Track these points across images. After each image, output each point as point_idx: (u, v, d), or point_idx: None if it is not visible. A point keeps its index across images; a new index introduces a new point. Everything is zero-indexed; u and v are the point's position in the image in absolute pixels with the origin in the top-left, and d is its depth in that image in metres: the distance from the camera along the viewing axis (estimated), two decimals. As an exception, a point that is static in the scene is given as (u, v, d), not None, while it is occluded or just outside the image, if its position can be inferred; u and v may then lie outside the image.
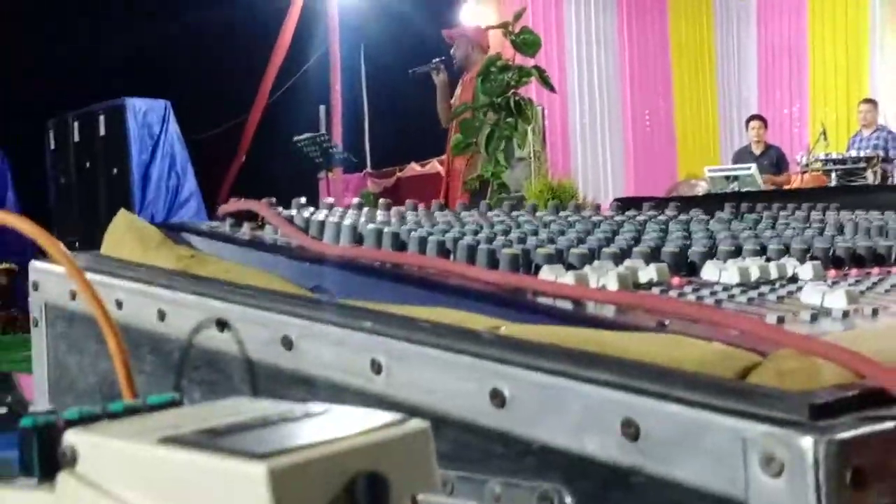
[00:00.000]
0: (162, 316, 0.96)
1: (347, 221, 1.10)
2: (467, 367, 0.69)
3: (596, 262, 0.94)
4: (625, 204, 2.96)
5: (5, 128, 6.46)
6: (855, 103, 10.05)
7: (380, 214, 1.23)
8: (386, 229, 1.04)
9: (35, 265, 1.14)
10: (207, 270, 1.02)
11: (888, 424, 0.54)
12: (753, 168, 8.69)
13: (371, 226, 1.06)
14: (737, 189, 8.40)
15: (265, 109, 9.33)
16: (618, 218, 1.37)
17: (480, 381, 0.68)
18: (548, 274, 0.87)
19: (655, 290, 0.88)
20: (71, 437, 0.47)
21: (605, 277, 0.86)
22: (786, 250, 1.11)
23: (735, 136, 11.63)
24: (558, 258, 0.95)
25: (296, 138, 8.50)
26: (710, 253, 1.05)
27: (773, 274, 0.98)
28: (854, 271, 1.09)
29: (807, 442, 0.51)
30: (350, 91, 10.58)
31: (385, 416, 0.49)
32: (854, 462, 0.52)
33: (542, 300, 0.82)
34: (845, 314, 0.80)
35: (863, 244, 1.18)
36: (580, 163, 10.69)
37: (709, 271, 0.97)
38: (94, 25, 7.55)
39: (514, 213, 1.34)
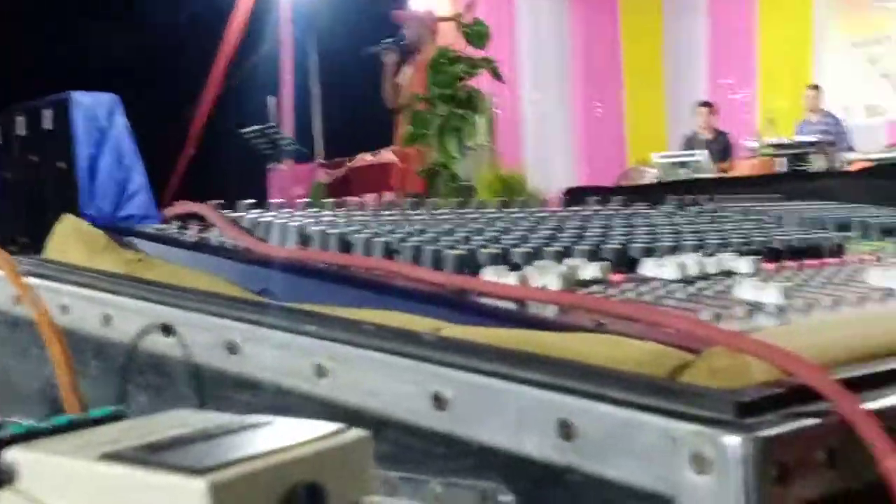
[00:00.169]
0: (107, 320, 0.96)
1: (294, 223, 1.11)
2: (409, 369, 0.70)
3: (539, 262, 0.96)
4: (574, 195, 2.99)
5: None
6: (801, 89, 10.20)
7: (327, 214, 1.24)
8: (332, 231, 1.04)
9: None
10: (153, 274, 1.03)
11: (812, 421, 0.57)
12: (701, 154, 8.78)
13: (317, 227, 1.07)
14: (687, 175, 8.49)
15: (215, 101, 9.25)
16: (563, 213, 1.39)
17: (422, 383, 0.69)
18: (491, 274, 0.88)
19: (596, 288, 0.89)
20: (10, 455, 0.47)
21: (547, 276, 0.88)
22: (724, 244, 1.14)
23: (684, 123, 11.73)
24: (502, 258, 0.96)
25: (244, 130, 8.45)
26: (651, 248, 1.07)
27: (711, 269, 1.00)
28: (790, 264, 1.12)
29: (733, 440, 0.53)
30: (301, 82, 10.52)
31: (326, 427, 0.50)
32: (779, 458, 0.54)
33: (485, 301, 0.83)
34: (779, 309, 0.82)
35: (799, 237, 1.21)
36: (531, 152, 10.72)
37: (649, 267, 0.99)
38: (40, 20, 7.44)
39: (462, 210, 1.36)
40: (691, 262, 0.99)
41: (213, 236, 1.15)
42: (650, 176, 9.64)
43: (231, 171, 8.43)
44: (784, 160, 8.45)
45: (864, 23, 10.87)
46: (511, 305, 0.82)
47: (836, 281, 0.99)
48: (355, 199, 1.38)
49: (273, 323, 0.82)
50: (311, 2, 9.90)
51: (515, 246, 1.01)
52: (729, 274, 1.01)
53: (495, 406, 0.65)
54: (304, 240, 1.07)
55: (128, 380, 0.92)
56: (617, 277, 0.95)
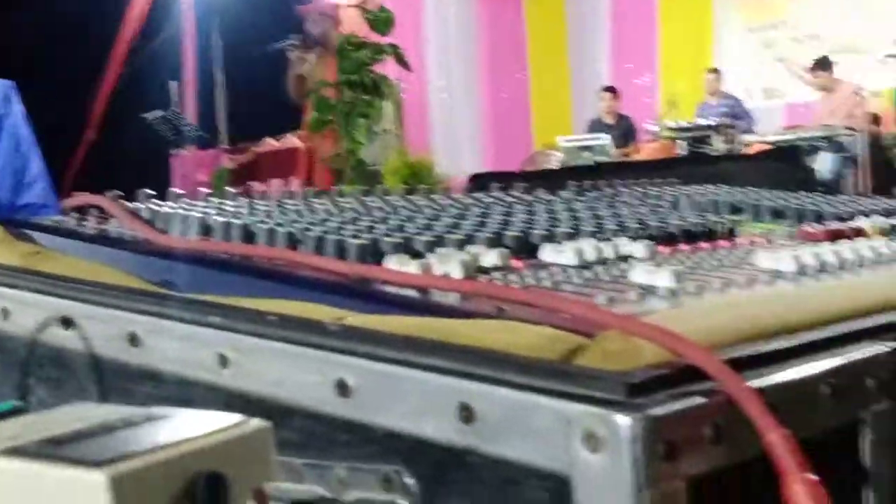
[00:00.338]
0: (5, 314, 0.95)
1: (195, 213, 1.11)
2: (312, 358, 0.71)
3: (441, 249, 0.98)
4: (479, 180, 3.01)
5: None
6: (701, 73, 10.42)
7: (229, 204, 1.23)
8: (234, 221, 1.05)
9: None
10: (51, 267, 1.01)
11: (699, 399, 0.59)
12: (605, 138, 8.93)
13: (219, 218, 1.07)
14: (591, 159, 8.62)
15: (115, 86, 9.06)
16: (466, 200, 1.41)
17: (325, 371, 0.70)
18: (393, 263, 0.89)
19: (497, 275, 0.91)
20: None
21: (449, 264, 0.89)
22: (621, 229, 1.17)
23: (588, 107, 11.89)
24: (405, 246, 0.97)
25: (146, 115, 8.30)
26: (550, 234, 1.09)
27: (608, 254, 1.03)
28: (684, 247, 1.16)
29: (623, 420, 0.56)
30: (203, 66, 10.36)
31: (227, 418, 0.50)
32: (667, 436, 0.56)
33: (388, 290, 0.84)
34: (671, 292, 0.85)
35: (693, 221, 1.25)
36: (438, 137, 10.77)
37: (547, 253, 1.02)
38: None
39: (365, 199, 1.36)
40: (589, 248, 1.02)
41: (113, 228, 1.14)
42: (556, 160, 9.77)
43: (133, 157, 8.27)
44: (684, 143, 8.66)
45: (761, 8, 11.16)
46: (414, 293, 0.83)
47: (727, 263, 1.03)
48: (258, 187, 1.38)
49: (175, 314, 0.82)
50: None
51: (418, 234, 1.03)
52: (625, 258, 1.04)
53: (398, 392, 0.66)
54: (206, 230, 1.07)
55: (28, 374, 0.91)
56: (517, 264, 0.97)
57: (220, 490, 0.46)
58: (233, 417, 0.51)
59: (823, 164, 7.87)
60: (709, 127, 8.69)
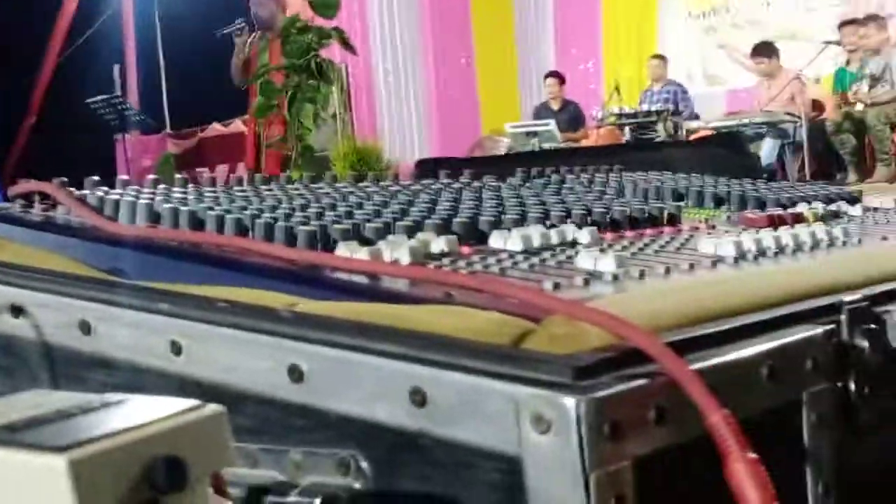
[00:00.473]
0: (-47, 303, 0.95)
1: (143, 200, 1.10)
2: (265, 344, 0.72)
3: (390, 236, 0.99)
4: (426, 167, 3.02)
5: None
6: (645, 59, 10.51)
7: (177, 191, 1.23)
8: (183, 208, 1.05)
9: None
10: (-1, 255, 1.01)
11: (641, 381, 0.61)
12: (551, 124, 8.98)
13: (167, 205, 1.07)
14: (537, 144, 8.67)
15: (55, 70, 8.92)
16: (414, 187, 1.42)
17: (278, 357, 0.71)
18: (343, 250, 0.90)
19: (446, 261, 0.93)
20: None
21: (398, 251, 0.91)
22: (567, 215, 1.19)
23: (535, 93, 11.95)
24: (355, 233, 0.98)
25: (90, 101, 8.19)
26: (498, 221, 1.11)
27: (554, 240, 1.05)
28: (629, 233, 1.18)
29: (569, 402, 0.57)
30: (145, 49, 10.23)
31: (182, 403, 0.51)
32: (611, 417, 0.58)
33: (338, 276, 0.85)
34: (615, 277, 0.87)
35: (638, 207, 1.27)
36: (386, 121, 10.75)
37: (495, 240, 1.03)
38: None
39: (314, 186, 1.37)
40: (536, 234, 1.04)
41: (60, 215, 1.14)
42: (503, 145, 9.81)
43: (76, 142, 8.15)
44: (628, 129, 8.74)
45: (704, -6, 11.27)
46: (364, 280, 0.84)
47: (670, 249, 1.05)
48: (207, 174, 1.38)
49: (126, 302, 0.82)
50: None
51: (368, 221, 1.04)
52: (571, 244, 1.06)
53: (351, 377, 0.67)
54: (155, 217, 1.07)
55: (-24, 362, 0.91)
56: (466, 250, 0.99)
57: (177, 473, 0.47)
58: (188, 402, 0.52)
59: (766, 150, 8.00)
60: (653, 113, 8.78)
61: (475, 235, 1.06)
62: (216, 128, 9.81)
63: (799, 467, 0.73)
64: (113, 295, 0.83)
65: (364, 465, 0.67)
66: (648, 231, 1.20)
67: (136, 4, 10.00)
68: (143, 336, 0.80)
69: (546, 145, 8.69)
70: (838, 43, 8.47)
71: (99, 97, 8.23)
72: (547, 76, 10.45)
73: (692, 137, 8.49)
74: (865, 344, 0.78)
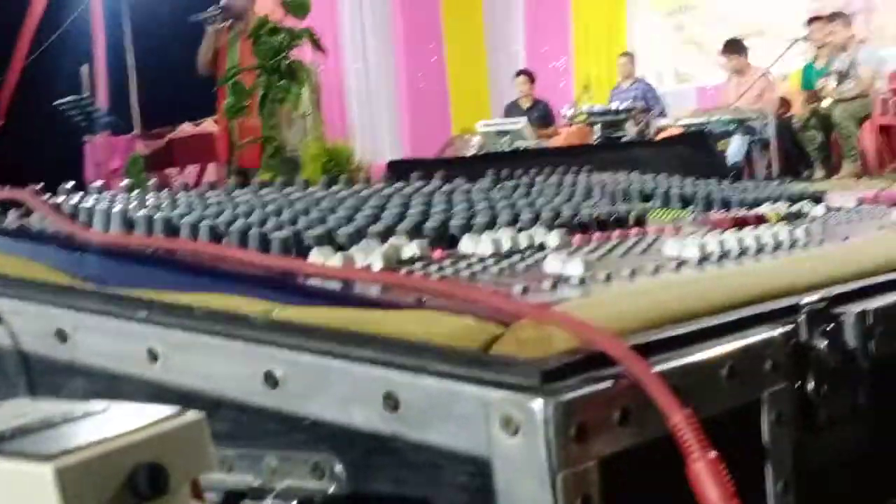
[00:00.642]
0: (-71, 312, 0.96)
1: (117, 207, 1.12)
2: (241, 351, 0.74)
3: (363, 242, 1.01)
4: (397, 168, 3.04)
5: None
6: (615, 57, 10.58)
7: (150, 197, 1.25)
8: (157, 215, 1.06)
9: None
10: (-26, 263, 1.02)
11: (606, 384, 0.64)
12: (522, 122, 9.02)
13: (142, 212, 1.08)
14: (508, 142, 8.71)
15: (23, 71, 8.85)
16: (386, 191, 1.44)
17: (254, 364, 0.73)
18: (317, 256, 0.92)
19: (418, 265, 0.95)
20: None
21: (371, 256, 0.92)
22: (536, 218, 1.21)
23: (505, 91, 11.98)
24: (328, 238, 1.00)
25: (57, 102, 8.13)
26: (468, 225, 1.13)
27: (523, 243, 1.07)
28: (597, 236, 1.21)
29: (537, 404, 0.60)
30: (114, 50, 10.17)
31: (163, 410, 0.53)
32: (577, 419, 0.61)
33: (312, 282, 0.87)
34: (582, 281, 0.89)
35: (606, 209, 1.30)
36: (357, 122, 10.76)
37: (466, 244, 1.05)
38: None
39: (287, 191, 1.38)
40: (505, 238, 1.06)
41: (35, 222, 1.15)
42: (474, 143, 9.83)
43: (44, 144, 8.10)
44: (598, 126, 8.80)
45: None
46: (338, 285, 0.86)
47: (636, 251, 1.08)
48: (177, 174, 1.39)
49: (102, 309, 0.84)
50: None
51: (340, 226, 1.05)
52: (540, 247, 1.08)
53: (325, 382, 0.69)
54: (129, 224, 1.08)
55: (-46, 371, 0.92)
56: (437, 254, 1.01)
57: (160, 480, 0.49)
58: (168, 410, 0.54)
59: (734, 147, 8.07)
60: (623, 111, 8.84)
61: (446, 239, 1.09)
62: (186, 128, 9.77)
63: (759, 465, 0.76)
64: (89, 303, 0.85)
65: (339, 468, 0.69)
66: (616, 233, 1.23)
67: (105, 4, 9.93)
68: (119, 343, 0.81)
69: (517, 143, 8.73)
70: (805, 39, 8.57)
71: (67, 99, 8.17)
72: (517, 74, 10.49)
73: (661, 135, 8.56)
74: (823, 344, 0.81)
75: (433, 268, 0.94)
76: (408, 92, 11.41)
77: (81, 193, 1.25)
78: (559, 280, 0.89)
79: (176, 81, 8.10)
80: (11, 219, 1.16)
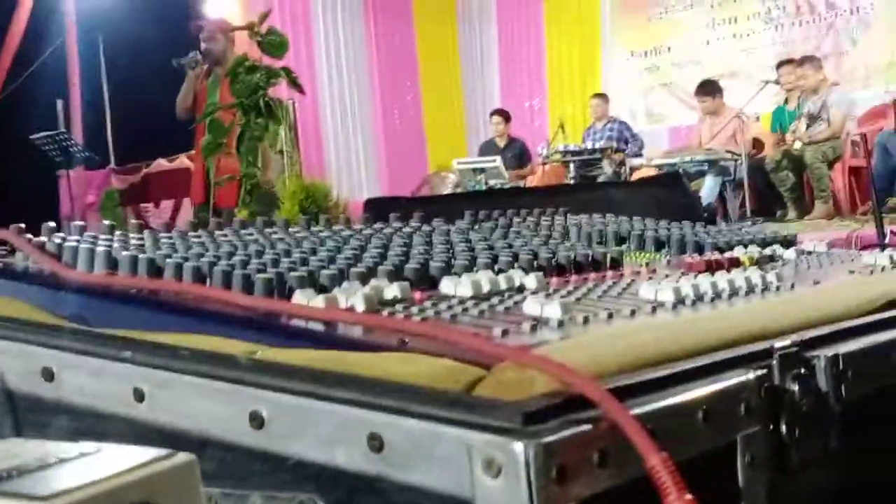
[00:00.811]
0: (-87, 350, 0.96)
1: (101, 247, 1.13)
2: (226, 392, 0.75)
3: (345, 284, 1.02)
4: (374, 206, 3.06)
5: None
6: (589, 97, 10.69)
7: (133, 237, 1.26)
8: (141, 256, 1.07)
9: None
10: (-42, 301, 1.03)
11: (585, 427, 0.65)
12: (498, 161, 9.08)
13: (126, 252, 1.09)
14: (483, 180, 8.76)
15: (-4, 104, 8.83)
16: (366, 231, 1.46)
17: (239, 404, 0.74)
18: (300, 298, 0.94)
19: (399, 307, 0.96)
20: None
21: (353, 298, 0.94)
22: (514, 259, 1.23)
23: (481, 130, 12.09)
24: (310, 280, 1.02)
25: (33, 137, 8.13)
26: (448, 267, 1.15)
27: (502, 285, 1.09)
28: (574, 278, 1.23)
29: (518, 447, 0.61)
30: (89, 84, 10.19)
31: (154, 452, 0.54)
32: (558, 461, 0.62)
33: (296, 323, 0.89)
34: (560, 324, 0.91)
35: (582, 252, 1.32)
36: (334, 159, 10.80)
37: (446, 285, 1.07)
38: None
39: (268, 231, 1.40)
40: (485, 280, 1.08)
41: (19, 261, 1.16)
42: (450, 181, 9.88)
43: (18, 178, 8.07)
44: (573, 166, 8.87)
45: (645, 35, 11.51)
46: (321, 327, 0.87)
47: (612, 294, 1.10)
48: (152, 209, 1.40)
49: (89, 349, 0.85)
50: (95, 3, 9.61)
51: (323, 268, 1.07)
52: (519, 289, 1.10)
53: (309, 423, 0.71)
54: (113, 264, 1.10)
55: (-62, 409, 0.92)
56: (418, 296, 1.03)
57: (152, 521, 0.50)
58: (159, 451, 0.55)
59: (707, 188, 8.16)
60: (597, 150, 8.92)
61: (427, 281, 1.10)
62: (161, 163, 9.78)
63: (734, 506, 0.78)
64: (76, 342, 0.86)
65: (322, 508, 0.70)
66: (592, 275, 1.25)
67: (80, 39, 9.96)
68: (106, 383, 0.82)
69: (493, 181, 8.79)
70: (777, 82, 8.69)
71: (43, 133, 8.17)
72: (492, 114, 10.58)
73: (636, 174, 8.64)
74: (796, 388, 0.83)
75: (415, 309, 0.95)
76: (384, 130, 11.47)
77: (64, 233, 1.26)
78: (538, 322, 0.91)
79: (151, 117, 8.11)
80: (-6, 258, 1.17)
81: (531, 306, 0.96)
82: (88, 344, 0.85)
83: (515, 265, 1.21)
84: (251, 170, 4.36)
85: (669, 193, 3.29)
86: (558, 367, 0.70)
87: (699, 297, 1.07)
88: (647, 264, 1.38)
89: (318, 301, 0.92)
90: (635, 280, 1.20)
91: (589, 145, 9.15)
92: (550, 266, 1.24)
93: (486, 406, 0.66)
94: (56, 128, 8.85)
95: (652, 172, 8.38)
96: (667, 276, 1.24)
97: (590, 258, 1.30)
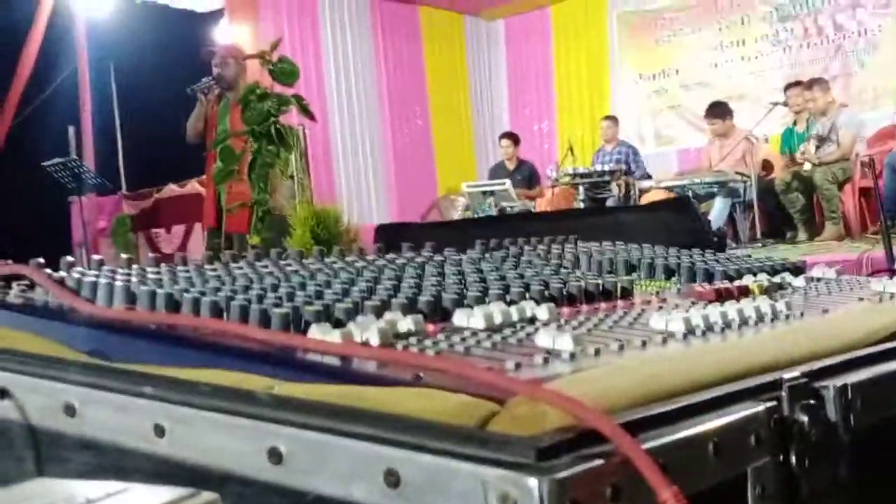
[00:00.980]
0: (-64, 386, 0.98)
1: (119, 282, 1.15)
2: (245, 427, 0.77)
3: (360, 317, 1.04)
4: (386, 232, 3.07)
5: None
6: (598, 119, 10.73)
7: (151, 272, 1.28)
8: (159, 291, 1.09)
9: None
10: (-20, 337, 1.04)
11: (598, 461, 0.67)
12: (508, 183, 9.11)
13: (144, 287, 1.11)
14: (493, 203, 8.79)
15: (10, 131, 8.90)
16: (379, 262, 1.47)
17: (258, 440, 0.76)
18: (316, 332, 0.95)
19: (413, 341, 0.98)
20: None
21: (368, 332, 0.96)
22: (526, 290, 1.25)
23: (490, 153, 12.13)
24: (326, 314, 1.03)
25: (45, 163, 8.19)
26: (461, 298, 1.16)
27: (514, 317, 1.10)
28: (585, 308, 1.24)
29: (533, 482, 0.63)
30: (101, 111, 10.27)
31: (179, 492, 0.56)
32: (571, 496, 0.63)
33: (313, 358, 0.90)
34: (572, 356, 0.92)
35: (592, 281, 1.33)
36: (344, 183, 10.84)
37: (459, 317, 1.09)
38: None
39: (282, 263, 1.42)
40: (497, 311, 1.09)
41: (38, 297, 1.18)
42: (460, 203, 9.91)
43: (31, 204, 8.13)
44: (582, 188, 8.89)
45: (653, 57, 11.55)
46: (337, 362, 0.89)
47: (623, 324, 1.11)
48: (163, 234, 1.42)
49: (110, 385, 0.86)
50: (107, 30, 9.70)
51: (338, 301, 1.09)
52: (531, 320, 1.11)
53: (327, 459, 0.72)
54: (132, 299, 1.11)
55: (-39, 444, 0.94)
56: (431, 328, 1.04)
57: (179, 559, 0.51)
58: (184, 491, 0.57)
59: (716, 210, 8.16)
60: (606, 173, 8.94)
61: (440, 313, 1.12)
62: (172, 188, 9.84)
63: (745, 538, 0.79)
64: (97, 378, 0.88)
65: (340, 542, 0.71)
66: (603, 305, 1.27)
67: (92, 66, 10.04)
68: (127, 419, 0.84)
69: (502, 204, 8.81)
70: (785, 104, 8.71)
71: (55, 160, 8.23)
72: (502, 137, 10.62)
73: (644, 196, 8.66)
74: (805, 419, 0.84)
75: (428, 342, 0.97)
76: (394, 154, 11.51)
77: (77, 260, 1.28)
78: (550, 355, 0.92)
79: (162, 142, 8.17)
80: (15, 293, 1.19)
81: (543, 338, 0.98)
82: (109, 379, 0.87)
83: (527, 296, 1.23)
84: (262, 196, 4.39)
85: (679, 218, 3.31)
86: (570, 402, 0.71)
87: (709, 328, 1.08)
88: (657, 293, 1.39)
89: (335, 336, 0.94)
90: (646, 310, 1.22)
91: (598, 168, 9.17)
92: (561, 296, 1.25)
93: (500, 442, 0.67)
94: (68, 154, 8.91)
95: (661, 194, 8.39)
96: (677, 305, 1.26)
97: (600, 287, 1.32)
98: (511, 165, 10.22)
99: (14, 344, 1.01)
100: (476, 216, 8.80)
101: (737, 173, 8.32)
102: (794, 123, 8.76)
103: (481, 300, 1.18)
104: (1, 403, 0.92)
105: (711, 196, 8.32)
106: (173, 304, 1.08)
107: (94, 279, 1.17)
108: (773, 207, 8.42)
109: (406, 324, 1.02)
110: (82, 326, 1.05)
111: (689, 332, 1.06)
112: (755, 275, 1.54)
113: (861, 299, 1.39)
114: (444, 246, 1.70)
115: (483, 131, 12.62)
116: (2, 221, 7.97)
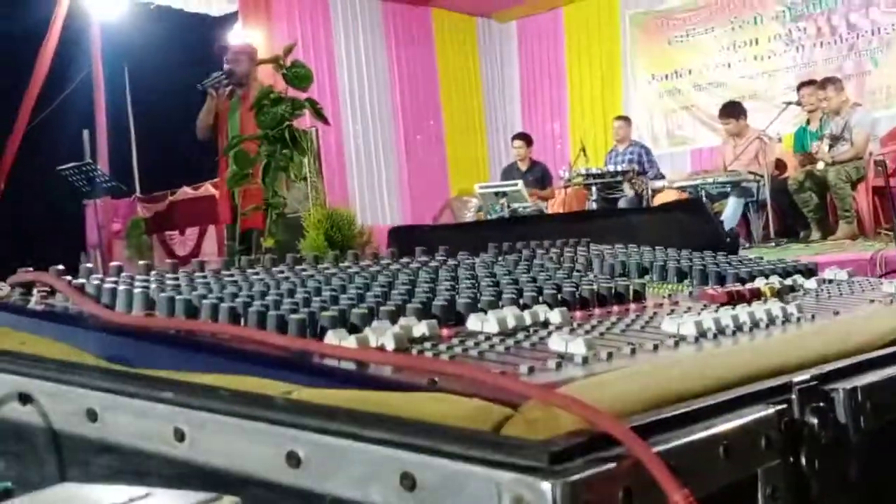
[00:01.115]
0: (-40, 391, 1.00)
1: (139, 289, 1.17)
2: (264, 432, 0.78)
3: (375, 322, 1.05)
4: (399, 234, 3.09)
5: None
6: (610, 120, 10.72)
7: (169, 278, 1.29)
8: (178, 297, 1.11)
9: None
10: (2, 343, 1.06)
11: (610, 465, 0.68)
12: (520, 184, 9.12)
13: (163, 294, 1.13)
14: (506, 204, 8.80)
15: (25, 135, 8.96)
16: (393, 266, 1.49)
17: (277, 444, 0.77)
18: (332, 338, 0.97)
19: (427, 345, 0.99)
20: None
21: (383, 337, 0.97)
22: (539, 294, 1.26)
23: (503, 154, 12.14)
24: (341, 319, 1.05)
25: (60, 167, 8.23)
26: (475, 303, 1.18)
27: (528, 321, 1.12)
28: (598, 312, 1.25)
29: (546, 486, 0.64)
30: (115, 115, 10.32)
31: (200, 496, 0.57)
32: (584, 498, 0.65)
33: (329, 363, 0.92)
34: (584, 360, 0.94)
35: (605, 285, 1.35)
36: (357, 184, 10.87)
37: (473, 322, 1.10)
38: None
39: (298, 268, 1.43)
40: (510, 316, 1.10)
41: (59, 303, 1.19)
42: (472, 205, 9.93)
43: (45, 207, 8.18)
44: (594, 188, 8.89)
45: (666, 57, 11.54)
46: (353, 367, 0.90)
47: (636, 328, 1.12)
48: (177, 236, 1.44)
49: (131, 390, 0.88)
50: (121, 34, 9.75)
51: (353, 306, 1.10)
52: (544, 324, 1.13)
53: (345, 462, 0.74)
54: (150, 305, 1.13)
55: (-14, 448, 0.96)
56: (445, 333, 1.06)
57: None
58: (206, 495, 0.58)
59: (729, 210, 8.15)
60: (619, 173, 8.94)
61: (453, 317, 1.13)
62: (186, 191, 9.88)
63: (756, 539, 0.80)
64: (118, 384, 0.89)
65: (357, 544, 0.73)
66: (615, 308, 1.28)
67: (106, 70, 10.09)
68: (147, 423, 0.85)
69: (515, 205, 8.82)
70: (799, 103, 8.69)
71: (70, 164, 8.27)
72: (514, 138, 10.62)
73: (657, 196, 8.65)
74: (815, 421, 0.85)
75: (443, 347, 0.98)
76: (407, 157, 11.54)
77: (92, 264, 1.30)
78: (563, 359, 0.93)
79: (175, 146, 8.21)
80: (36, 299, 1.21)
81: (556, 342, 0.99)
82: (130, 385, 0.89)
83: (540, 299, 1.24)
84: (276, 199, 4.41)
85: (691, 219, 3.31)
86: (583, 406, 0.73)
87: (720, 331, 1.09)
88: (669, 296, 1.40)
89: (351, 341, 0.95)
90: (657, 313, 1.23)
91: (611, 168, 9.17)
92: (574, 300, 1.27)
93: (513, 446, 0.68)
94: (82, 158, 8.96)
95: (674, 194, 8.39)
96: (689, 308, 1.27)
97: (613, 291, 1.33)
98: (523, 166, 10.22)
99: (36, 350, 1.03)
100: (488, 217, 8.80)
101: (750, 173, 8.31)
102: (808, 122, 8.74)
103: (495, 304, 1.19)
104: (24, 408, 0.94)
105: (724, 196, 8.31)
106: (191, 311, 1.10)
107: (112, 286, 1.19)
108: (787, 207, 8.40)
109: (421, 329, 1.03)
110: (102, 333, 1.07)
111: (701, 335, 1.07)
112: (767, 277, 1.55)
113: (872, 301, 1.40)
114: (457, 248, 1.71)
115: (495, 132, 12.63)
116: (18, 224, 8.04)
